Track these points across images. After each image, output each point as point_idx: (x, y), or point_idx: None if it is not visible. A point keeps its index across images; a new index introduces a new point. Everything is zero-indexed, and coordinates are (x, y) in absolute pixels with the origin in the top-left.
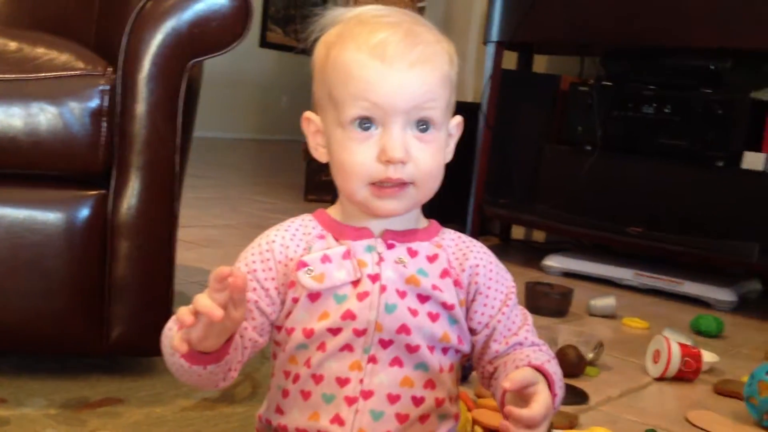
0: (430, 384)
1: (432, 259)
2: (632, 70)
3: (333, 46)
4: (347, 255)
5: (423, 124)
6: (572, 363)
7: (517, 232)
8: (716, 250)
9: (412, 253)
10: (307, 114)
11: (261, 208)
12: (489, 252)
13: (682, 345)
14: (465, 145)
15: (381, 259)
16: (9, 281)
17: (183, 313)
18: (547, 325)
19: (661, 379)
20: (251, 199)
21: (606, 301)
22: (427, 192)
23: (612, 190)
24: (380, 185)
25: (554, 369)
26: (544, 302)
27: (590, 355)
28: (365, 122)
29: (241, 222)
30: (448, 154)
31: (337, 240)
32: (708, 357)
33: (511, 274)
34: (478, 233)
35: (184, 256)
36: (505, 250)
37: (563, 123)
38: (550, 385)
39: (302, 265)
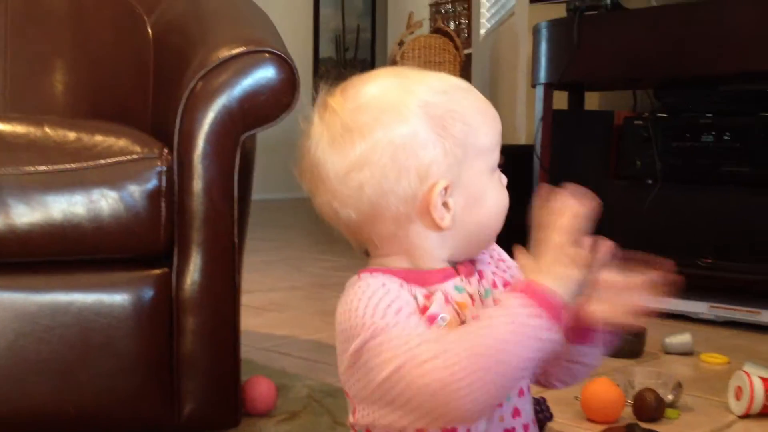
0: (516, 413)
1: (480, 277)
2: (687, 100)
3: (448, 104)
4: (447, 300)
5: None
6: (651, 407)
7: None
8: None
9: (479, 277)
10: (444, 183)
11: (324, 267)
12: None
13: (764, 379)
14: (523, 189)
15: (472, 300)
16: (81, 365)
17: None
18: (623, 367)
19: (745, 416)
20: (314, 258)
21: (682, 337)
22: None
23: (677, 223)
24: None
25: None
26: (618, 344)
27: (669, 397)
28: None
29: (306, 282)
30: None
31: (424, 286)
32: None
33: None
34: None
35: (250, 322)
36: None
37: (621, 158)
38: None
39: (433, 318)
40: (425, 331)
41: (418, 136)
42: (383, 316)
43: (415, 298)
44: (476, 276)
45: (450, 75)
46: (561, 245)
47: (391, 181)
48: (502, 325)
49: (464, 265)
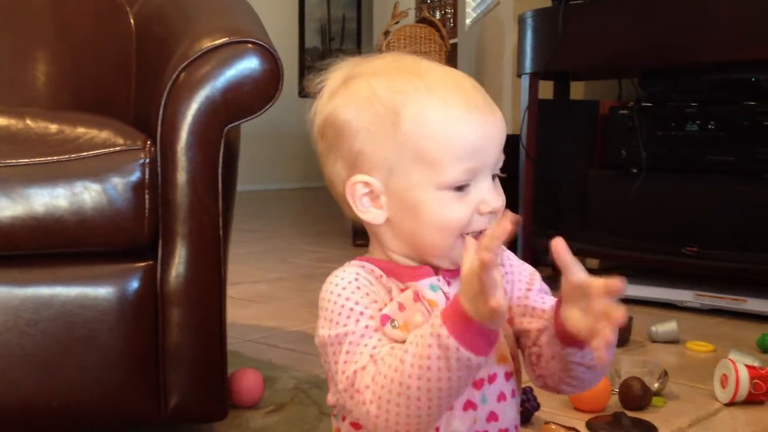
0: (493, 416)
1: None
2: (672, 89)
3: (403, 105)
4: (417, 297)
5: (499, 174)
6: (637, 395)
7: None
8: None
9: None
10: (360, 178)
11: (311, 258)
12: (504, 248)
13: (749, 367)
14: (509, 178)
15: (447, 297)
16: (65, 359)
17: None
18: None
19: (731, 403)
20: (300, 249)
21: (668, 325)
22: None
23: (662, 212)
24: (476, 236)
25: None
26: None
27: (656, 385)
28: (463, 186)
29: (293, 274)
30: None
31: (401, 281)
32: None
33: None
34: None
35: (236, 314)
36: (559, 280)
37: (606, 148)
38: None
39: (386, 319)
40: (365, 353)
41: (352, 124)
42: (346, 319)
43: (390, 291)
44: (458, 282)
45: (457, 74)
46: (476, 271)
47: (331, 160)
48: (417, 357)
49: (451, 271)
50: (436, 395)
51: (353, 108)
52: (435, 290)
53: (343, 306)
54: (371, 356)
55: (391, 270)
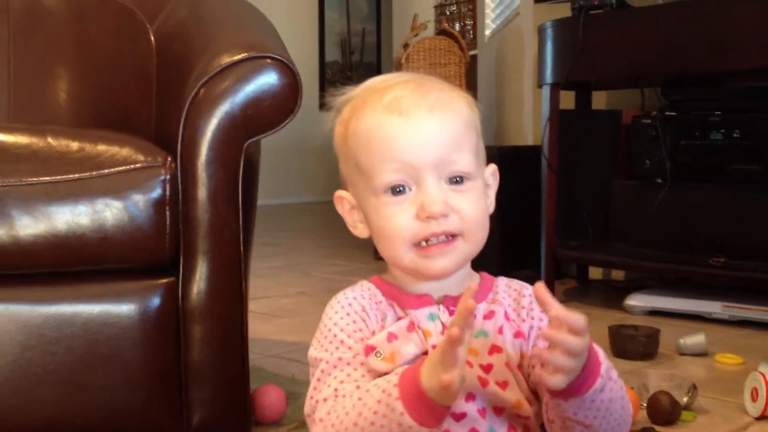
0: None
1: (488, 316)
2: (695, 97)
3: (350, 121)
4: (411, 327)
5: (457, 178)
6: (666, 410)
7: (595, 272)
8: None
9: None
10: (339, 193)
11: (333, 272)
12: None
13: None
14: (532, 189)
15: (445, 328)
16: (88, 377)
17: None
18: (636, 369)
19: (762, 417)
20: (322, 263)
21: (696, 338)
22: (476, 244)
23: (688, 222)
24: (425, 245)
25: (607, 363)
26: (631, 345)
27: (684, 400)
28: (398, 188)
29: (315, 288)
30: (490, 206)
31: (402, 308)
32: None
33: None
34: (553, 278)
35: (259, 329)
36: (583, 292)
37: (630, 158)
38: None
39: (370, 349)
40: (332, 385)
41: (336, 140)
42: (328, 344)
43: (385, 318)
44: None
45: (407, 83)
46: (442, 344)
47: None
48: (367, 408)
49: (458, 298)
50: None
51: (336, 131)
52: (433, 319)
53: (329, 330)
54: (335, 390)
55: (394, 295)
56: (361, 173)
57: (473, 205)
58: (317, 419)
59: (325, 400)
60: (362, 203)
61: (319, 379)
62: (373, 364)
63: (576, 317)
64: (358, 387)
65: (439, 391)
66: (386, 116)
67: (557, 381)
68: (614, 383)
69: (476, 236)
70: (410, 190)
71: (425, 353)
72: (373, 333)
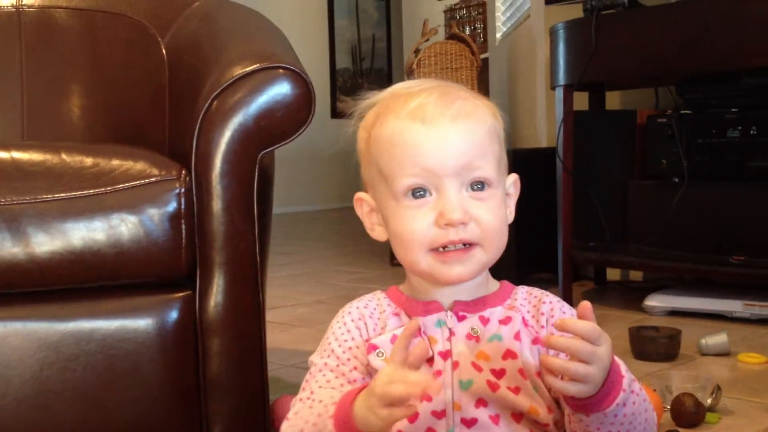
0: None
1: (505, 322)
2: (710, 95)
3: (373, 126)
4: (417, 333)
5: (478, 185)
6: (690, 412)
7: (613, 273)
8: None
9: (484, 321)
10: (359, 195)
11: (349, 279)
12: (561, 300)
13: None
14: (548, 192)
15: (452, 334)
16: (107, 393)
17: (399, 391)
18: (658, 371)
19: None
20: (338, 271)
21: (718, 338)
22: (494, 253)
23: (706, 220)
24: (443, 251)
25: (630, 376)
26: (652, 347)
27: (709, 401)
28: (418, 191)
29: (331, 296)
30: (510, 215)
31: (410, 317)
32: None
33: (599, 317)
34: (570, 280)
35: (277, 338)
36: (601, 293)
37: (646, 157)
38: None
39: (372, 348)
40: (310, 388)
41: (359, 144)
42: (322, 351)
43: (384, 327)
44: (475, 318)
45: (432, 90)
46: (377, 387)
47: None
48: (314, 416)
49: (470, 303)
50: None
51: (359, 135)
52: (440, 326)
53: (327, 338)
54: (311, 393)
55: (404, 304)
56: (382, 177)
57: (492, 214)
58: (288, 416)
59: (300, 400)
60: (382, 207)
61: (306, 380)
62: (374, 363)
63: (584, 324)
64: (331, 396)
65: (368, 422)
66: (410, 123)
67: (570, 388)
68: (637, 396)
69: (494, 245)
70: (430, 195)
71: (430, 360)
72: (367, 341)
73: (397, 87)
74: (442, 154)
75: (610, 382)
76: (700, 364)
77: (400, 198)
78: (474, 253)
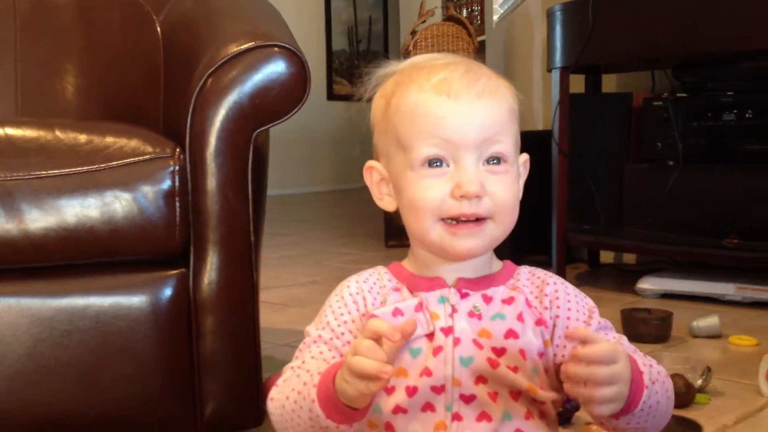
0: None
1: (508, 302)
2: (706, 79)
3: (393, 95)
4: (419, 307)
5: (495, 159)
6: (681, 393)
7: (607, 256)
8: None
9: (487, 300)
10: (370, 163)
11: (344, 260)
12: (565, 281)
13: None
14: (543, 174)
15: (454, 311)
16: (101, 369)
17: (371, 363)
18: (650, 352)
19: None
20: (333, 252)
21: (709, 320)
22: (505, 228)
23: (700, 204)
24: (455, 223)
25: (644, 362)
26: (644, 329)
27: (699, 382)
28: (436, 161)
29: (326, 277)
30: (519, 193)
31: (411, 292)
32: None
33: (592, 300)
34: (564, 262)
35: (271, 318)
36: (595, 276)
37: (641, 141)
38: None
39: (373, 318)
40: (302, 358)
41: (373, 119)
42: (318, 322)
43: (384, 302)
44: (478, 296)
45: (457, 65)
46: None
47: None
48: (300, 385)
49: (473, 281)
50: (293, 423)
51: (375, 103)
52: (443, 302)
53: (324, 311)
54: (302, 362)
55: (406, 279)
56: (399, 146)
57: (506, 190)
58: (278, 382)
59: (291, 368)
60: (396, 175)
61: (300, 350)
62: None
63: (597, 350)
64: (318, 366)
65: (344, 393)
66: (434, 95)
67: (604, 410)
68: (658, 384)
69: (506, 220)
70: (447, 166)
71: (430, 335)
72: (365, 315)
73: (418, 59)
74: (465, 127)
75: (633, 388)
76: (692, 346)
77: (417, 167)
78: (485, 227)
